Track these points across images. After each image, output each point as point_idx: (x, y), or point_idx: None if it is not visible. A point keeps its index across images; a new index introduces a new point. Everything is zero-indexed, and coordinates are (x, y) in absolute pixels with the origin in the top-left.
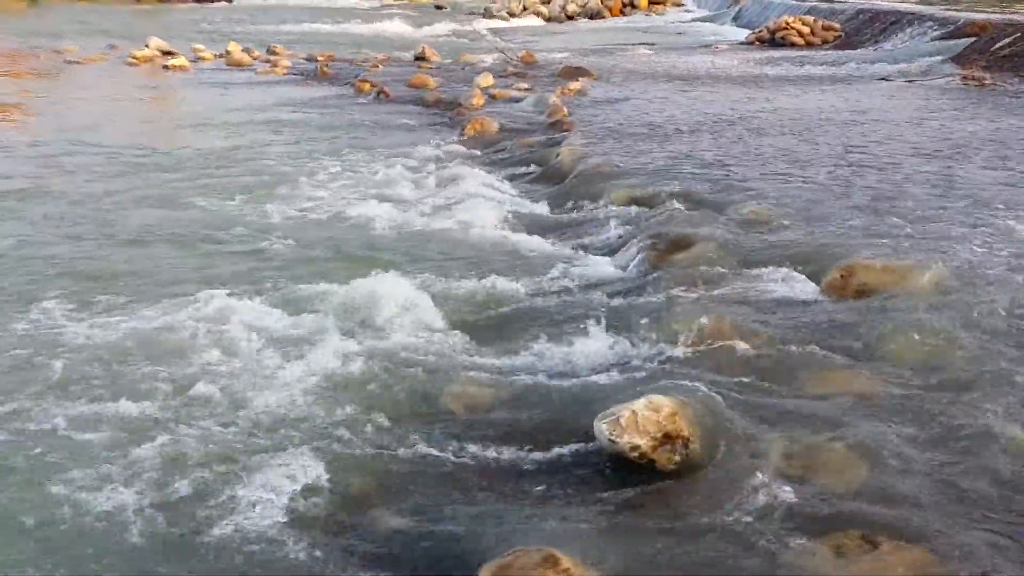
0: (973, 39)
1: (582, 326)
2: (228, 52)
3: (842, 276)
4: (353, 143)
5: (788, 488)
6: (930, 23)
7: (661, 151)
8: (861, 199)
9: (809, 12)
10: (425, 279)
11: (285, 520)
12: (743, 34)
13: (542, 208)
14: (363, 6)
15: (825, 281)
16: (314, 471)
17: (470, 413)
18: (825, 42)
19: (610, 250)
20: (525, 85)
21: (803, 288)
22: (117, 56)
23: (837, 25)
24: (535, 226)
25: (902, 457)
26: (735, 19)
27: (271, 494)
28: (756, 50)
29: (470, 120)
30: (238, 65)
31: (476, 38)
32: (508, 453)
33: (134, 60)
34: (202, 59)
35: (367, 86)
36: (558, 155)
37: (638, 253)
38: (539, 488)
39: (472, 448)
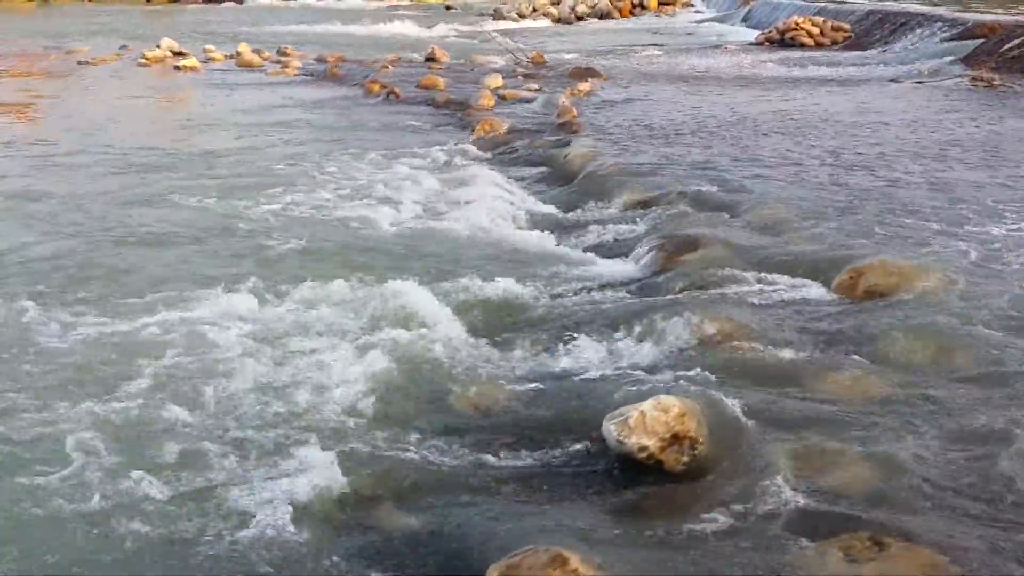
0: (982, 40)
1: (591, 327)
2: (239, 53)
3: (851, 277)
4: (363, 144)
5: (797, 490)
6: (939, 24)
7: (670, 152)
8: (870, 200)
9: (819, 13)
10: (434, 279)
11: (293, 519)
12: (752, 35)
13: (551, 209)
14: (372, 7)
15: (834, 282)
16: (322, 470)
17: (479, 413)
18: (835, 43)
19: (619, 251)
20: (535, 86)
21: (812, 289)
22: (129, 57)
23: (847, 26)
24: (544, 226)
25: (911, 458)
26: (744, 20)
27: (279, 493)
28: (765, 51)
29: (480, 121)
30: (249, 66)
31: (486, 39)
32: (517, 453)
33: (145, 61)
34: (213, 60)
35: (377, 87)
36: (567, 156)
37: (647, 254)
38: (547, 488)
39: (481, 448)
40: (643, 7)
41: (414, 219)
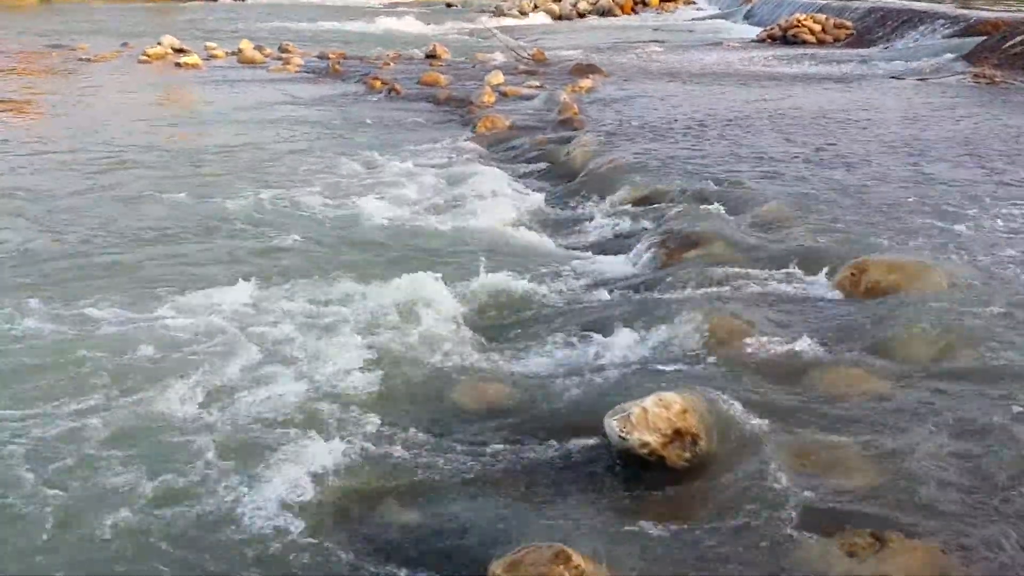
0: (985, 37)
1: (593, 323)
2: (240, 50)
3: (853, 274)
4: (364, 140)
5: (798, 486)
6: (942, 21)
7: (671, 149)
8: (872, 197)
9: (821, 10)
10: (436, 276)
11: (297, 514)
12: (754, 32)
13: (553, 205)
14: (373, 4)
15: (836, 279)
16: (326, 466)
17: (481, 409)
18: (837, 40)
19: (620, 248)
20: (536, 83)
21: (814, 286)
22: (130, 54)
23: (849, 23)
24: (546, 223)
25: (913, 455)
26: (747, 17)
27: (283, 488)
28: (768, 48)
29: (481, 117)
30: (250, 63)
31: (487, 36)
32: (519, 449)
33: (146, 58)
34: (214, 57)
35: (378, 83)
36: (569, 152)
37: (649, 251)
38: (550, 484)
39: (483, 444)
40: (645, 4)
41: (415, 216)
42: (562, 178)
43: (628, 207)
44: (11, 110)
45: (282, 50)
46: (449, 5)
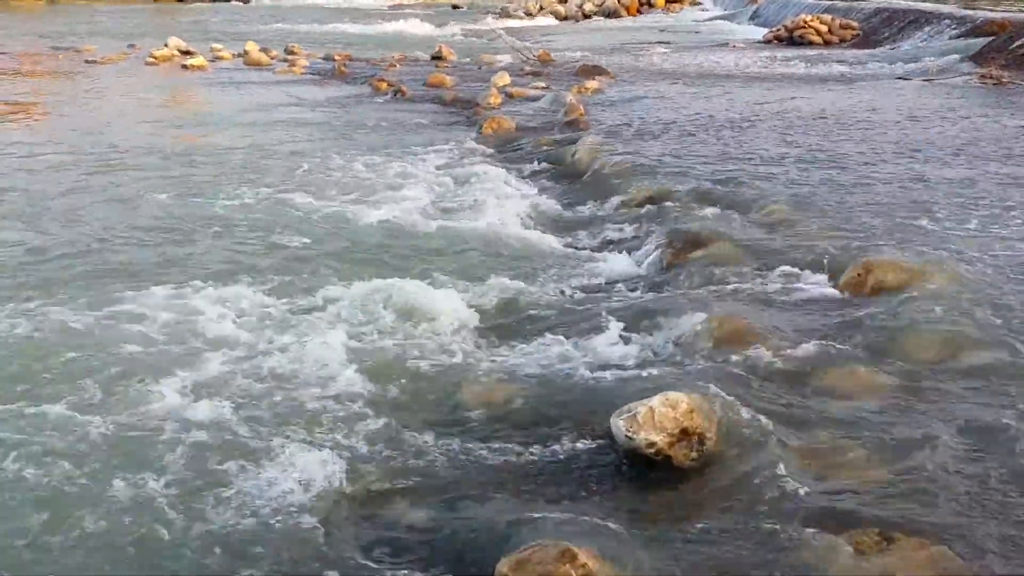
0: (991, 38)
1: (599, 323)
2: (246, 52)
3: (859, 274)
4: (370, 142)
5: (805, 485)
6: (948, 22)
7: (677, 150)
8: (878, 198)
9: (827, 11)
10: (442, 277)
11: (305, 514)
12: (760, 33)
13: (558, 206)
14: (379, 6)
15: (842, 279)
16: (333, 466)
17: (488, 409)
18: (843, 41)
19: (627, 248)
20: (542, 84)
21: (820, 286)
22: (136, 56)
23: (855, 24)
24: (551, 224)
25: (920, 454)
26: (752, 18)
27: (290, 489)
28: (774, 49)
29: (487, 119)
30: (256, 65)
31: (493, 37)
32: (526, 449)
33: (153, 60)
34: (220, 59)
35: (384, 85)
36: (575, 153)
37: (655, 251)
38: (556, 484)
39: (490, 444)
40: (650, 5)
41: (420, 216)
42: (568, 179)
43: (634, 207)
44: (20, 112)
45: (288, 52)
46: (455, 7)
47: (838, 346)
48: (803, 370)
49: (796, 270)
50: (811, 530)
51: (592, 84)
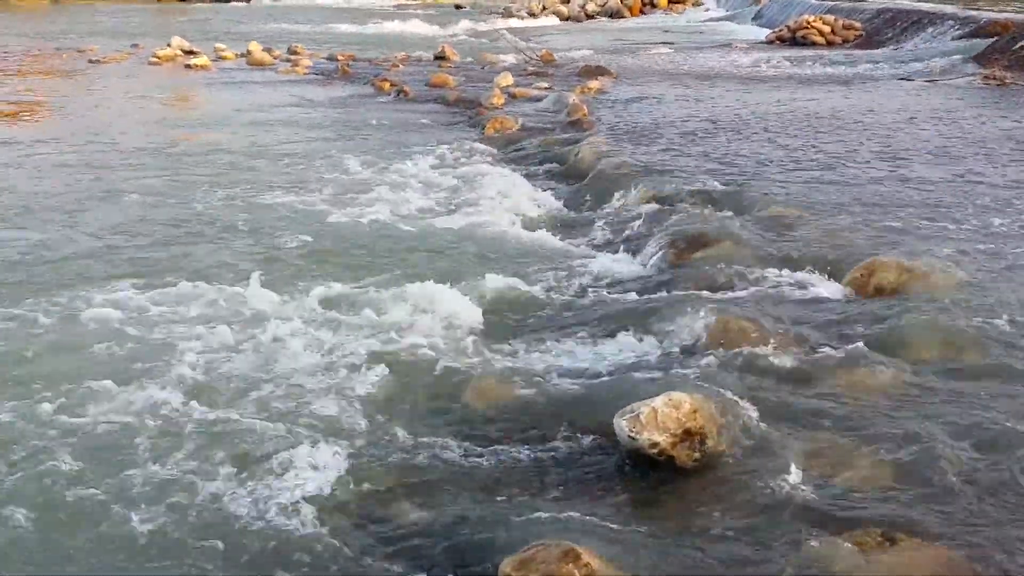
0: (995, 38)
1: (602, 324)
2: (249, 52)
3: (862, 275)
4: (373, 142)
5: (808, 486)
6: (951, 22)
7: (680, 150)
8: (882, 198)
9: (830, 11)
10: (444, 276)
11: (308, 514)
12: (763, 33)
13: (562, 206)
14: (382, 6)
15: (846, 280)
16: (335, 466)
17: (491, 409)
18: (846, 41)
19: (630, 248)
20: (545, 84)
21: (823, 287)
22: (139, 55)
23: (858, 24)
24: (554, 224)
25: (923, 455)
26: (755, 18)
27: (292, 487)
28: (777, 49)
29: (490, 119)
30: (259, 64)
31: (496, 37)
32: (529, 449)
33: (156, 59)
34: (224, 58)
35: (387, 85)
36: (578, 153)
37: (658, 251)
38: (559, 483)
39: (493, 444)
40: (653, 5)
41: (423, 216)
42: (571, 179)
43: (637, 207)
44: (23, 111)
45: (291, 52)
46: (458, 7)
47: (842, 346)
48: (806, 370)
49: (799, 270)
50: (814, 530)
51: (595, 84)
